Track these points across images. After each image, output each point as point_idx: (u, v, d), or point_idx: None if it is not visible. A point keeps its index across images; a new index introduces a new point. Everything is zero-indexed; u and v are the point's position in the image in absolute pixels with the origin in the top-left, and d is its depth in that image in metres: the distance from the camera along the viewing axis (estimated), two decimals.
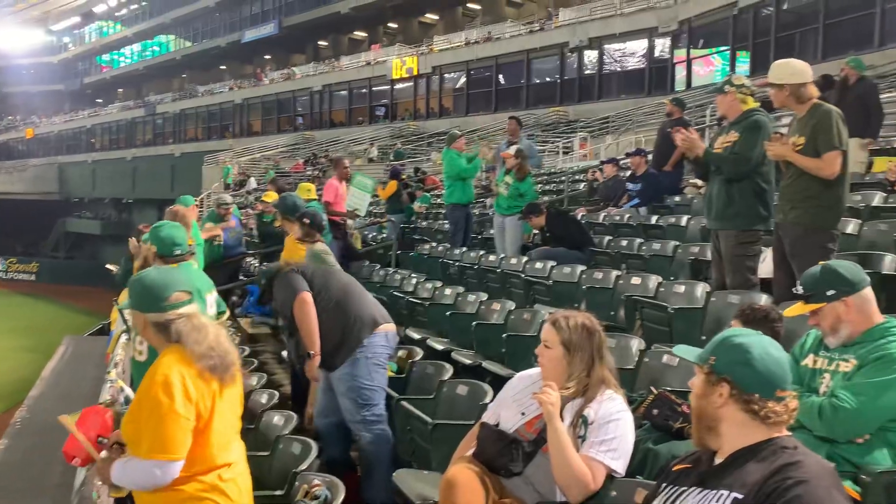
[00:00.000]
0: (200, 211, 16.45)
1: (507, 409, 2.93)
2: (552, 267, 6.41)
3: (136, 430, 2.44)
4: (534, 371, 2.98)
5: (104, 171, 46.84)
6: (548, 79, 27.80)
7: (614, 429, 2.65)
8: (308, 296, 4.09)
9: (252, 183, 24.46)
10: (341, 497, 3.04)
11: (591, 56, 26.15)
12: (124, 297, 7.02)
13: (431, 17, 38.38)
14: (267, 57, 44.87)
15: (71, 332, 18.37)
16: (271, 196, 11.17)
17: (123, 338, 5.65)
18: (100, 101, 56.94)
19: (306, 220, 5.35)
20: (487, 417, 2.98)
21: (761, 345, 1.88)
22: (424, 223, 12.63)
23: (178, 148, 42.40)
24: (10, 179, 50.56)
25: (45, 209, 49.77)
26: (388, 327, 4.24)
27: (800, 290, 2.77)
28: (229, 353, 2.56)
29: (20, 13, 59.36)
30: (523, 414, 2.85)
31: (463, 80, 30.61)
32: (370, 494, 4.04)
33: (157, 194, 41.78)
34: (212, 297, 4.02)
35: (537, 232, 7.98)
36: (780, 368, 1.86)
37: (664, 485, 1.99)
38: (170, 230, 4.11)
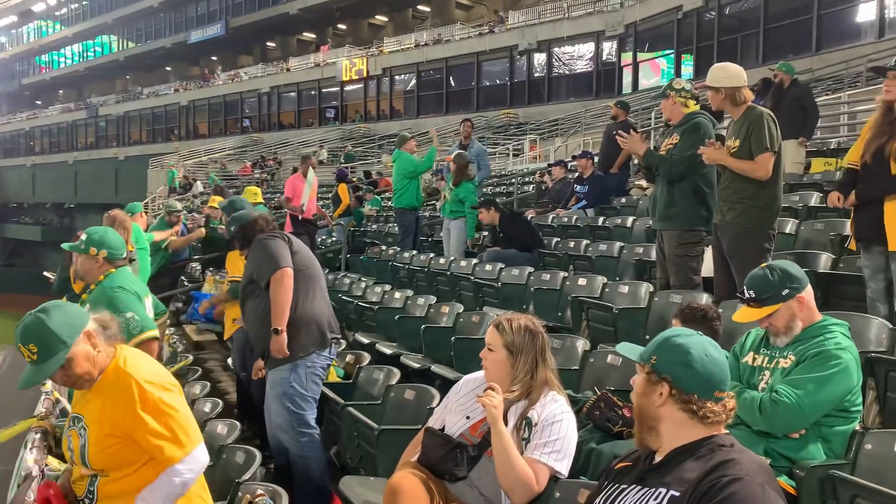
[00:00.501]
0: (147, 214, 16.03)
1: (452, 414, 2.91)
2: (501, 269, 6.42)
3: (134, 445, 2.35)
4: (479, 374, 2.97)
5: (45, 176, 45.49)
6: (498, 81, 27.98)
7: (557, 430, 2.65)
8: (291, 272, 3.97)
9: (198, 186, 24.00)
10: (285, 502, 2.98)
11: (539, 59, 26.41)
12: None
13: (381, 18, 38.29)
14: (214, 58, 44.15)
15: (9, 343, 17.77)
16: (217, 200, 10.98)
17: None
18: (39, 102, 55.24)
19: (234, 229, 5.21)
20: (432, 422, 2.96)
21: (701, 345, 1.90)
22: (374, 226, 12.55)
23: (122, 151, 41.43)
24: None
25: None
26: (333, 340, 4.18)
27: (750, 294, 2.78)
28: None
29: None
30: (468, 418, 2.84)
31: (413, 82, 30.62)
32: (302, 502, 3.97)
33: (100, 199, 40.64)
34: (148, 300, 3.92)
35: (486, 233, 8.01)
36: (718, 369, 1.88)
37: (606, 483, 2.00)
38: (114, 235, 4.04)
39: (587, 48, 25.15)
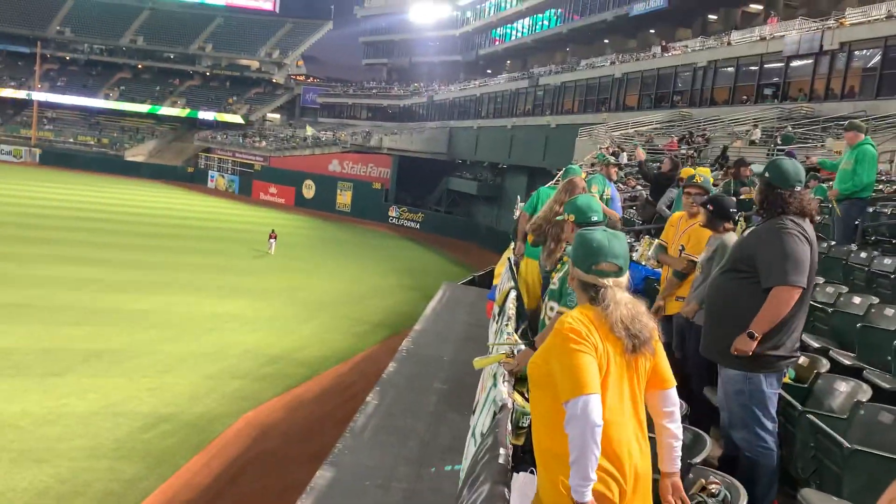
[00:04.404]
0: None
1: None
2: None
3: (547, 378, 2.56)
4: None
5: (486, 137, 50.89)
6: None
7: None
8: (799, 293, 3.49)
9: (624, 157, 24.42)
10: (744, 502, 2.85)
11: None
12: (509, 252, 7.55)
13: None
14: (652, 31, 44.12)
15: (445, 279, 20.59)
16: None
17: (513, 294, 6.04)
18: (490, 71, 61.71)
19: (710, 207, 4.99)
20: None
21: None
22: (818, 217, 11.32)
23: (554, 119, 44.08)
24: (410, 139, 57.92)
25: (434, 167, 56.19)
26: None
27: None
28: (644, 330, 2.54)
29: None
30: None
31: (877, 58, 26.62)
32: None
33: (529, 162, 44.31)
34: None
35: None
36: None
37: None
38: (585, 199, 4.25)
39: None
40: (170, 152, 69.48)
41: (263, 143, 65.36)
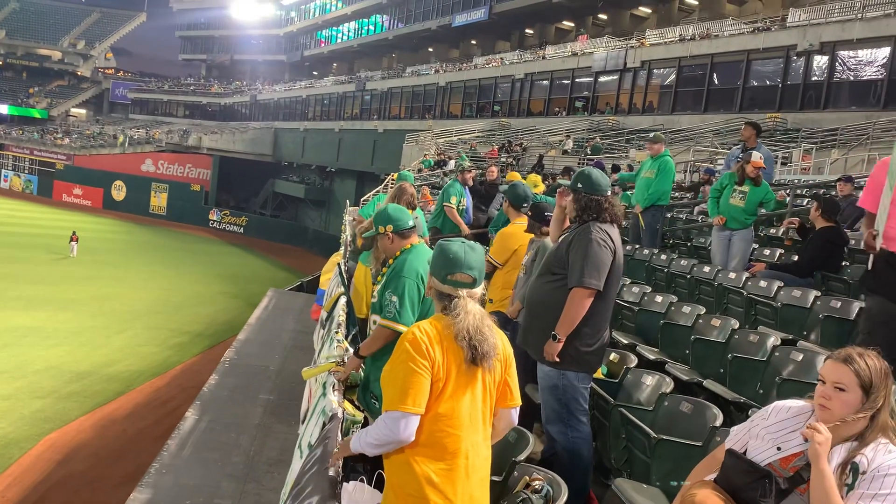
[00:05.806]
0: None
1: (757, 440, 2.72)
2: (779, 287, 5.92)
3: (384, 381, 2.61)
4: (793, 404, 2.74)
5: (313, 140, 50.16)
6: (768, 82, 25.93)
7: (890, 484, 2.37)
8: (593, 294, 3.71)
9: (451, 164, 25.06)
10: (564, 497, 2.98)
11: (820, 61, 24.02)
12: (337, 256, 7.45)
13: (644, 10, 37.17)
14: (473, 42, 45.68)
15: (271, 285, 20.01)
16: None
17: (343, 299, 5.96)
18: (316, 73, 60.88)
19: (529, 213, 5.24)
20: (733, 444, 2.78)
21: None
22: (624, 223, 12.25)
23: (381, 124, 44.37)
24: (232, 139, 55.74)
25: (259, 169, 54.45)
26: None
27: None
28: (484, 343, 2.59)
29: None
30: (779, 448, 2.63)
31: (672, 76, 29.36)
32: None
33: (357, 166, 44.25)
34: None
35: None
36: None
37: None
38: (394, 208, 4.11)
39: (880, 53, 22.40)
40: None
41: (67, 140, 60.05)
